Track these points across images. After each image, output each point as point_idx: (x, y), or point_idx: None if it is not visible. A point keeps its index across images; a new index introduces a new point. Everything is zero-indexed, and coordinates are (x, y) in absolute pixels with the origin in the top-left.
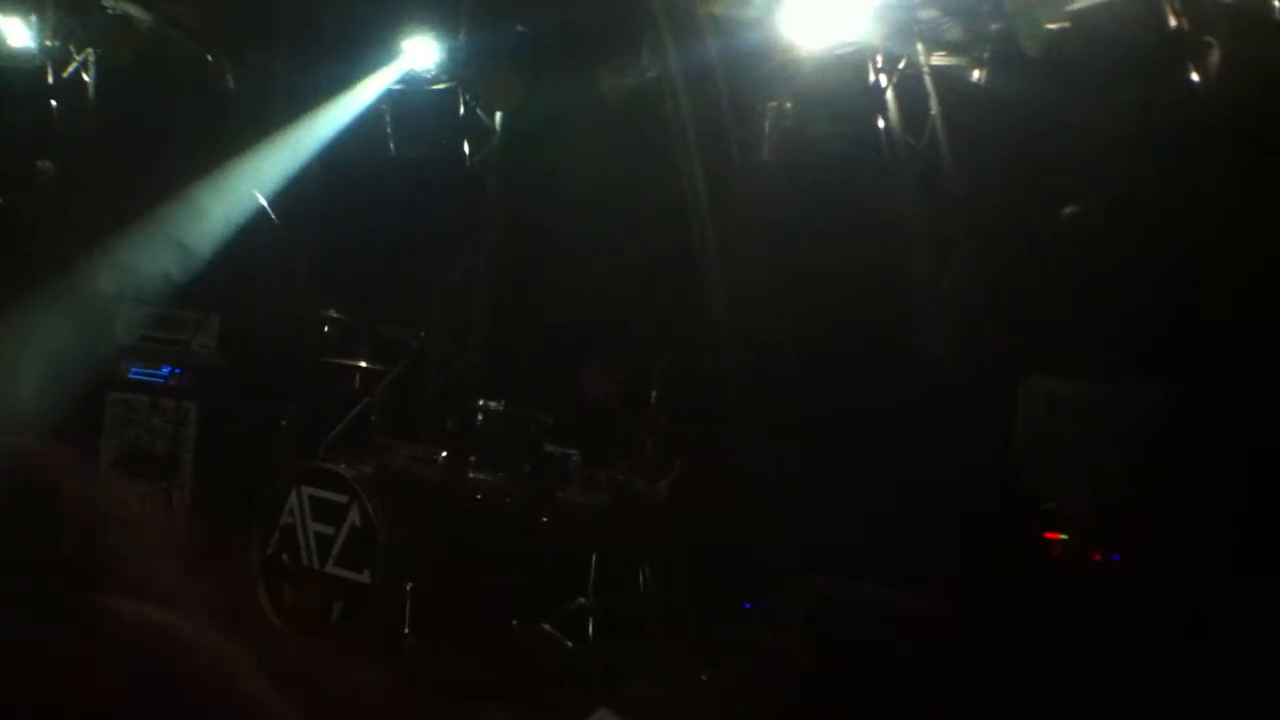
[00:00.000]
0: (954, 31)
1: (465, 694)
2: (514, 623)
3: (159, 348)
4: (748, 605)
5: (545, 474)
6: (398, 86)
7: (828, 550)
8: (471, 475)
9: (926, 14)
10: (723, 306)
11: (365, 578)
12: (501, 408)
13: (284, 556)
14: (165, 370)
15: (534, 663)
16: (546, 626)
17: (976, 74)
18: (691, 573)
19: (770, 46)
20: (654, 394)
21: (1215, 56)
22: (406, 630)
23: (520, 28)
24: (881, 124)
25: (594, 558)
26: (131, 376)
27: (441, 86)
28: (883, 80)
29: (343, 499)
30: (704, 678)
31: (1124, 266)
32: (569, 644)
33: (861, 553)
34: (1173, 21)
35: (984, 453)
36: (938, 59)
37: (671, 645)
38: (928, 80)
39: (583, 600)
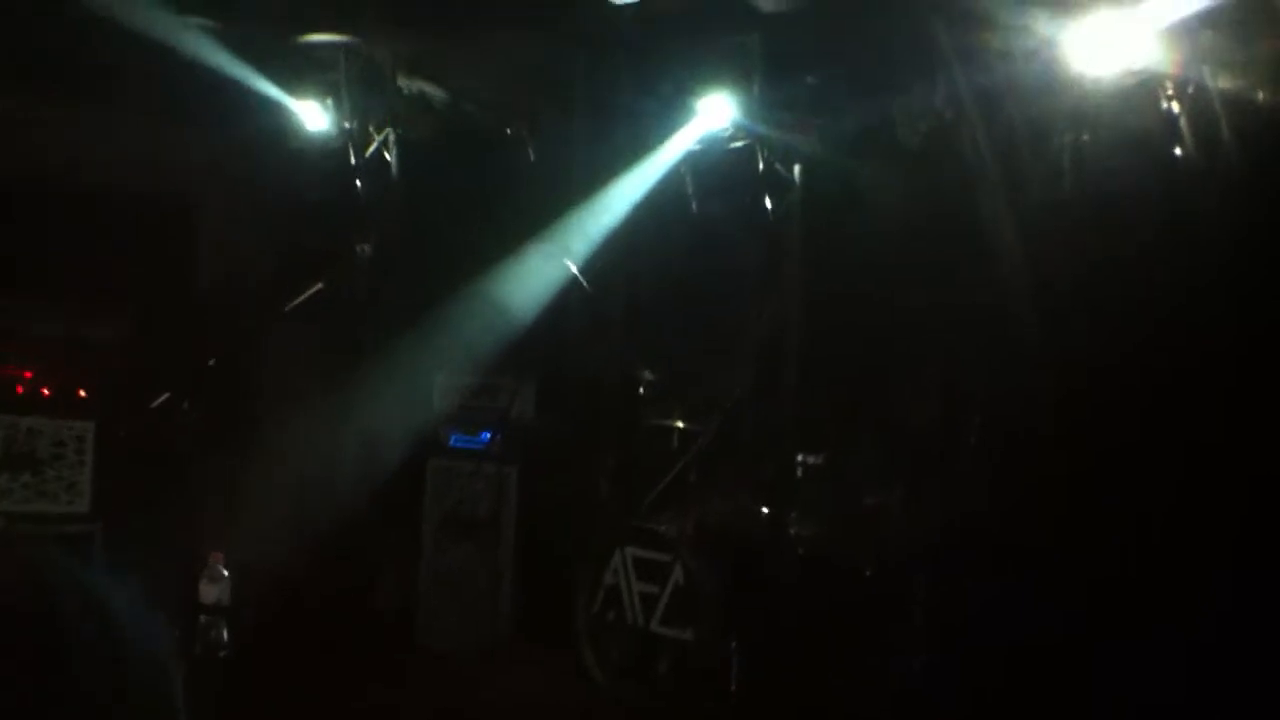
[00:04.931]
0: (1235, 51)
1: None
2: (844, 677)
3: (478, 415)
4: None
5: (867, 523)
6: (695, 147)
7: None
8: (793, 530)
9: (1206, 35)
10: (1033, 341)
11: (690, 636)
12: (820, 461)
13: (610, 616)
14: (485, 436)
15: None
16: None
17: (1261, 94)
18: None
19: (1060, 79)
20: (974, 432)
21: None
22: (733, 687)
23: (810, 79)
24: (1179, 152)
25: (919, 606)
26: (452, 444)
27: (739, 144)
28: (1175, 107)
29: (666, 558)
30: None
31: None
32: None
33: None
34: None
35: None
36: (1224, 81)
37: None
38: (1217, 104)
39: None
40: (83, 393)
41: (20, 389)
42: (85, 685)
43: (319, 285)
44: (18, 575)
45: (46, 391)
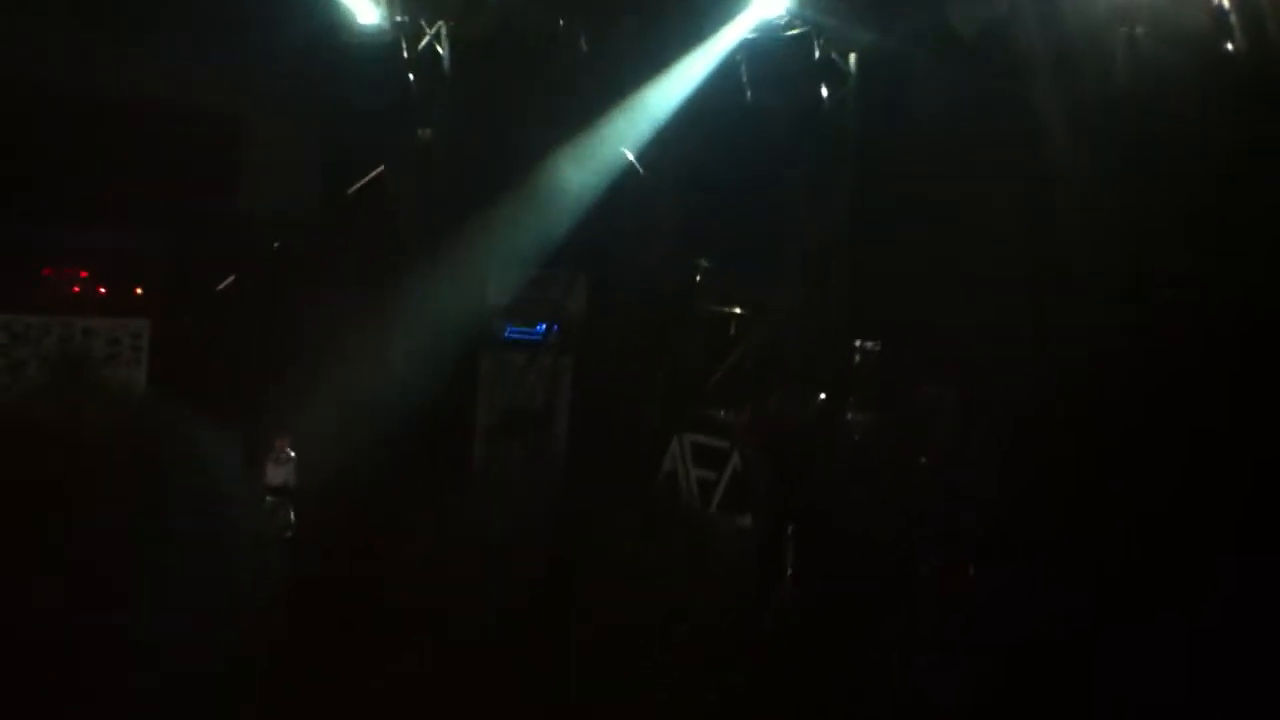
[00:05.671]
0: None
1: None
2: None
3: (533, 307)
4: None
5: (922, 413)
6: (751, 35)
7: None
8: (849, 415)
9: None
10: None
11: (747, 521)
12: (877, 348)
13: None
14: (540, 328)
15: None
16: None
17: None
18: None
19: None
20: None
21: None
22: (789, 572)
23: None
24: (1230, 48)
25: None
26: (507, 336)
27: (795, 32)
28: (1225, 2)
29: (724, 444)
30: None
31: None
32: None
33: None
34: None
35: None
36: None
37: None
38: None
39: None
40: (139, 290)
41: (77, 289)
42: (183, 536)
43: (380, 169)
44: (123, 424)
45: (103, 290)
